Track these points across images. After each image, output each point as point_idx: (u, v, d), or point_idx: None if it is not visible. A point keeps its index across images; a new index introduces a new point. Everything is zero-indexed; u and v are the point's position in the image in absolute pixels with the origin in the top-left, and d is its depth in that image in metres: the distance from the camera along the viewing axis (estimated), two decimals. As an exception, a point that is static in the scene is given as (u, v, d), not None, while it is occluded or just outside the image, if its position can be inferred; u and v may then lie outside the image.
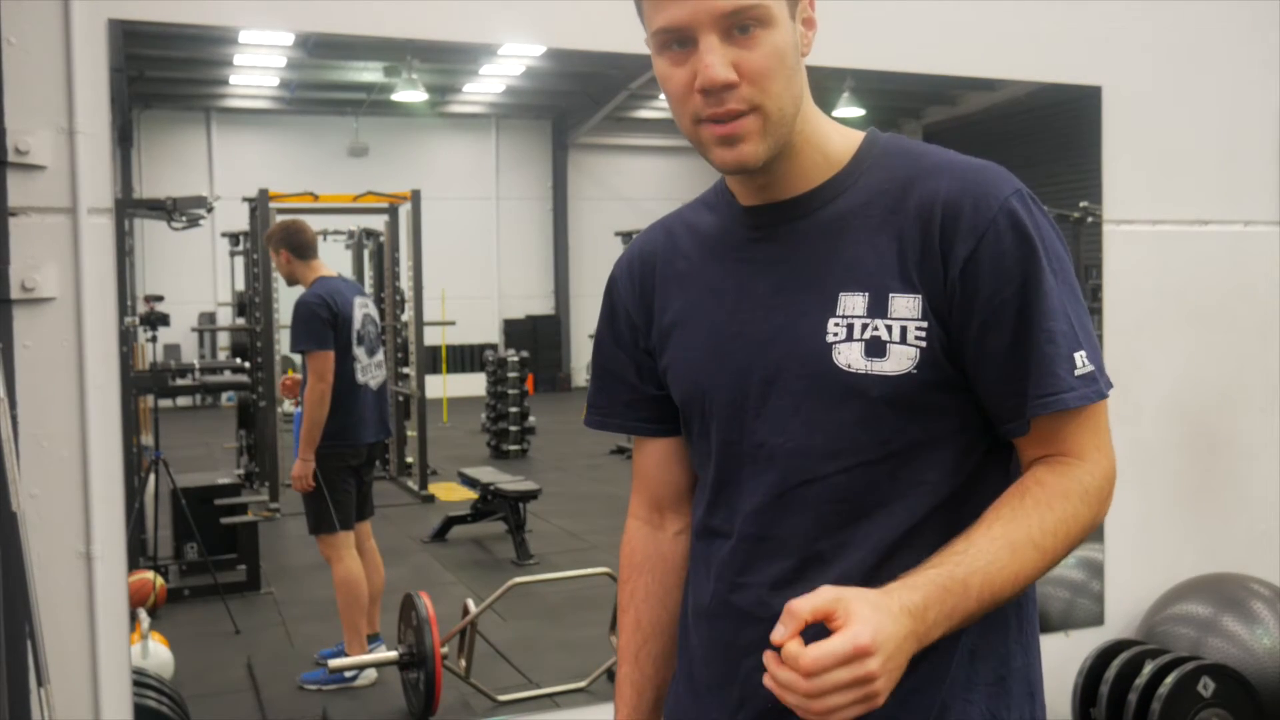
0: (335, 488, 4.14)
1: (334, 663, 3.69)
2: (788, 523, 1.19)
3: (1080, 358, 1.12)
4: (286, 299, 8.08)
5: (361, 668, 4.02)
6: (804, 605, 0.96)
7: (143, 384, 5.59)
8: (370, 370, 4.31)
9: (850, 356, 1.14)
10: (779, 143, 1.14)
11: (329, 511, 4.11)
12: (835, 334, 1.15)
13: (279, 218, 7.67)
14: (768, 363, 1.19)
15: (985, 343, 1.12)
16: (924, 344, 1.12)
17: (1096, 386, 1.13)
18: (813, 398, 1.16)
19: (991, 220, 1.11)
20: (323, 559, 4.24)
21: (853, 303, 1.15)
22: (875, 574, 1.14)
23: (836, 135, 1.21)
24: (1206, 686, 3.00)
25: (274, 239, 4.35)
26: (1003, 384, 1.13)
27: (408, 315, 7.94)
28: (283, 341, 8.29)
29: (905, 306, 1.13)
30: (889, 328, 1.13)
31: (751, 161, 1.13)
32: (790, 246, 1.20)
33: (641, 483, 1.41)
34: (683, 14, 1.08)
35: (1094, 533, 1.35)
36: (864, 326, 1.14)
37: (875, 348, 1.13)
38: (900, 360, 1.13)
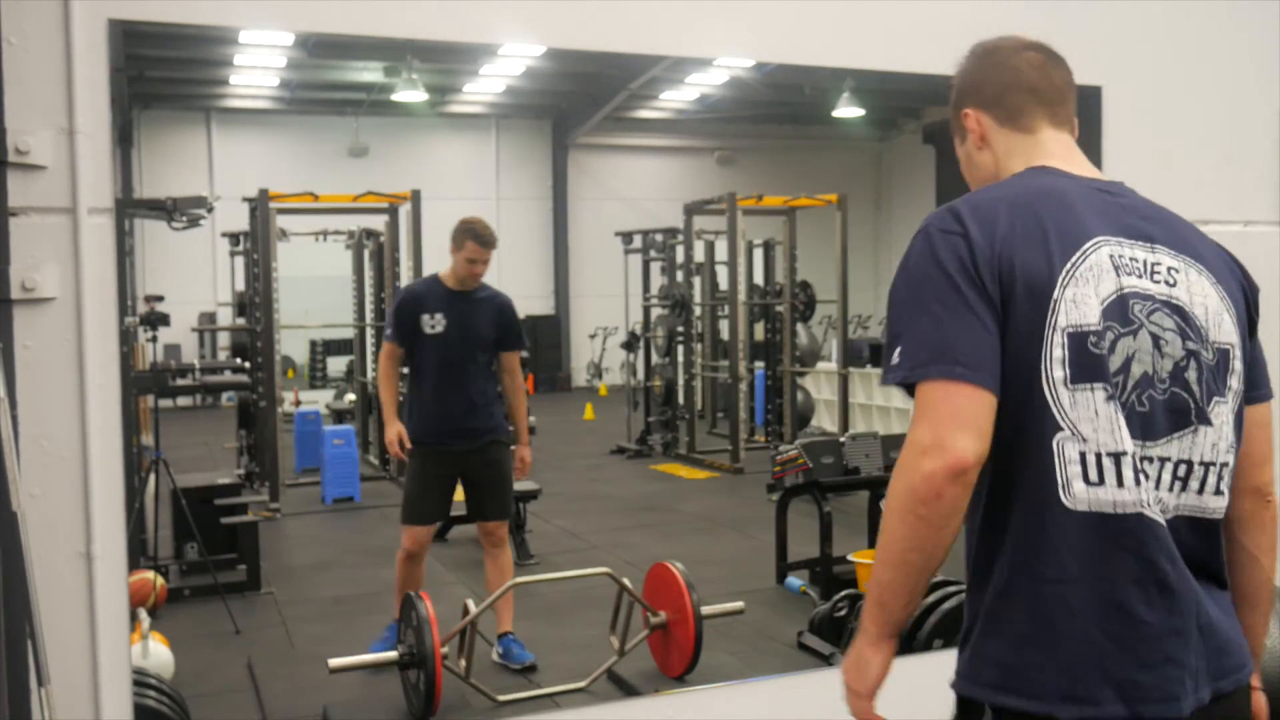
0: (414, 479, 4.25)
1: (334, 663, 3.68)
2: None
3: (896, 354, 1.42)
4: (287, 299, 8.08)
5: (362, 667, 4.01)
6: None
7: (143, 384, 5.58)
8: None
9: None
10: None
11: (403, 501, 4.29)
12: None
13: (279, 218, 7.67)
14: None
15: None
16: None
17: (898, 374, 1.40)
18: None
19: None
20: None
21: None
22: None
23: None
24: (1206, 686, 2.99)
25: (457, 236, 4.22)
26: None
27: (408, 315, 7.92)
28: (282, 342, 8.29)
29: None
30: None
31: None
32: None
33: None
34: None
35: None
36: None
37: None
38: None
